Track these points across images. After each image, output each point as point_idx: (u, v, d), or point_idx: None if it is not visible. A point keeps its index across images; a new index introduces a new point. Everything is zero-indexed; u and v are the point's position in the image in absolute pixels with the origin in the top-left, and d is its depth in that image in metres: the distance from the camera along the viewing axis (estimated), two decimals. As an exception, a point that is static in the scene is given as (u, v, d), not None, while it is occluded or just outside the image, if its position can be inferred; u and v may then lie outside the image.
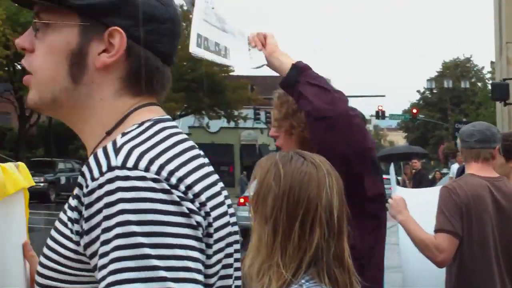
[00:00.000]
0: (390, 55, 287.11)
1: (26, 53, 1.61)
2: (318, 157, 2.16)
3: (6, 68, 34.59)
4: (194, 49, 2.72)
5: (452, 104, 59.41)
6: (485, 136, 4.27)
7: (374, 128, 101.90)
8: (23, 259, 1.84)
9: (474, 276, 4.11)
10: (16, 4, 1.69)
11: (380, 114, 50.93)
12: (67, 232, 1.48)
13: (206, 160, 1.58)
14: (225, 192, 1.59)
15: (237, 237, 1.65)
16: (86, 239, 1.42)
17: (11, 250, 1.81)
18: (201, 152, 1.58)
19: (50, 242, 1.53)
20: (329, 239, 2.07)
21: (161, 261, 1.35)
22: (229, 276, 1.59)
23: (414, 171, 18.78)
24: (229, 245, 1.57)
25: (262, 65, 3.04)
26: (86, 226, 1.41)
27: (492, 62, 50.76)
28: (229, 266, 1.58)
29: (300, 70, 2.93)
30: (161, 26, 1.61)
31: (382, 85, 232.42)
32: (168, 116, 1.62)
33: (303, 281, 2.04)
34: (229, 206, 1.62)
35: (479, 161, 4.29)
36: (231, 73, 41.68)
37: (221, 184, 1.59)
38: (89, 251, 1.42)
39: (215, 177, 1.57)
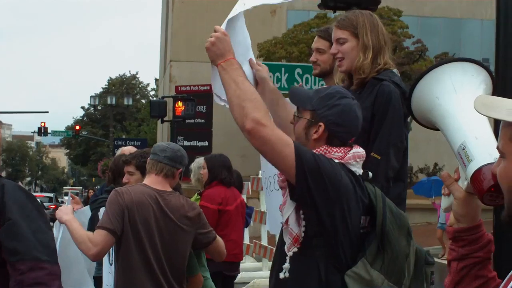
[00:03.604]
0: (54, 70, 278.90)
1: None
2: None
3: None
4: None
5: (116, 120, 59.96)
6: (175, 156, 4.69)
7: (37, 145, 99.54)
8: None
9: (136, 273, 4.55)
10: None
11: (43, 131, 50.27)
12: None
13: None
14: None
15: None
16: None
17: None
18: None
19: None
20: None
21: None
22: None
23: None
24: None
25: None
26: None
27: (156, 80, 52.21)
28: None
29: None
30: None
31: (46, 101, 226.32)
32: None
33: None
34: None
35: (160, 175, 4.69)
36: None
37: None
38: None
39: None
